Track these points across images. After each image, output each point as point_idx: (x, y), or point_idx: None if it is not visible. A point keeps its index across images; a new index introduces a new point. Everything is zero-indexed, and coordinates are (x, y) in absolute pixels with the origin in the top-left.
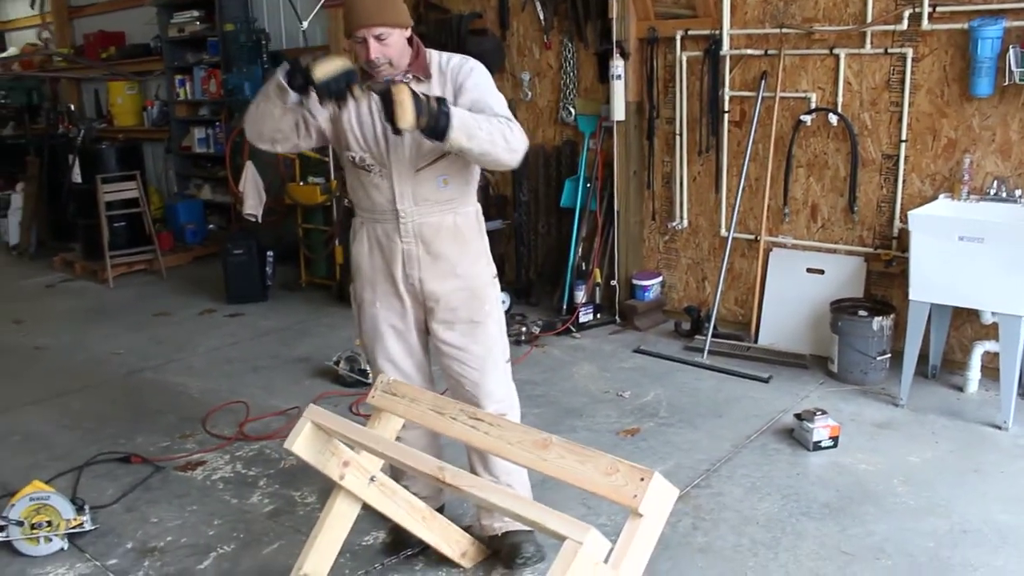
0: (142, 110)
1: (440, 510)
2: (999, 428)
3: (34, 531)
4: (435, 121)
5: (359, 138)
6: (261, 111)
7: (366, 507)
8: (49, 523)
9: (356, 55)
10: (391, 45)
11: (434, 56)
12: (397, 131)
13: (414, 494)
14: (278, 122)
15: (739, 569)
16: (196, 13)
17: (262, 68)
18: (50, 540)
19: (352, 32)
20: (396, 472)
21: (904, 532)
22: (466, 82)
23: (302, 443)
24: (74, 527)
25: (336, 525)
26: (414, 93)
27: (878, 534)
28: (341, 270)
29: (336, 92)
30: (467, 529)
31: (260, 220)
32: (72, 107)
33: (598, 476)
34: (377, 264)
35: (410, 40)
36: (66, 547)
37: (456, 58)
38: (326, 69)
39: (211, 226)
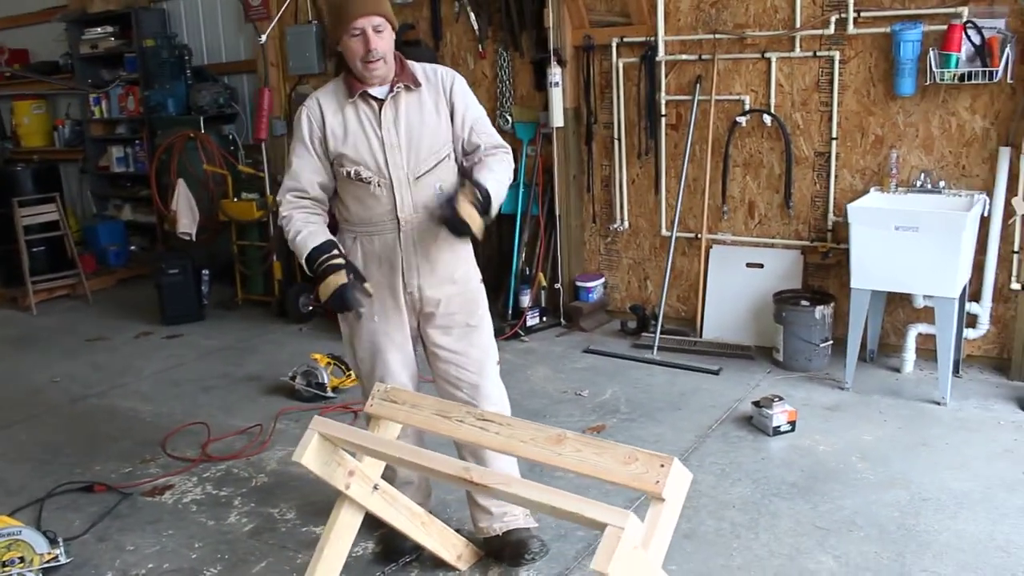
0: (52, 130)
1: None
2: (938, 404)
3: (6, 569)
4: (484, 209)
5: (355, 153)
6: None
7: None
8: (22, 559)
9: (350, 53)
10: (385, 39)
11: (415, 66)
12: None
13: None
14: None
15: (724, 551)
16: (110, 29)
17: (185, 84)
18: None
19: (349, 24)
20: (387, 478)
21: (870, 505)
22: (456, 100)
23: (311, 455)
24: (48, 561)
25: (342, 536)
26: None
27: (847, 508)
28: (280, 286)
29: (341, 306)
30: (458, 532)
31: (194, 238)
32: None
33: (617, 466)
34: (374, 277)
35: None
36: None
37: (440, 68)
38: (324, 292)
39: (133, 247)
